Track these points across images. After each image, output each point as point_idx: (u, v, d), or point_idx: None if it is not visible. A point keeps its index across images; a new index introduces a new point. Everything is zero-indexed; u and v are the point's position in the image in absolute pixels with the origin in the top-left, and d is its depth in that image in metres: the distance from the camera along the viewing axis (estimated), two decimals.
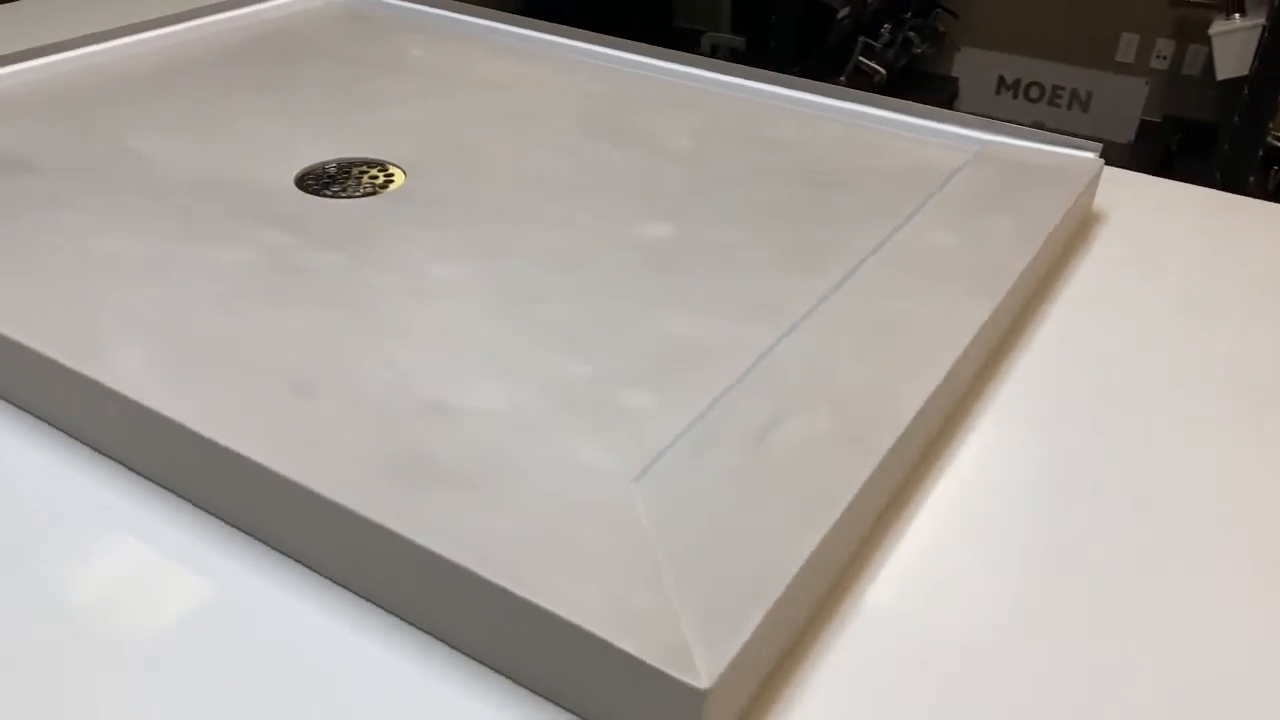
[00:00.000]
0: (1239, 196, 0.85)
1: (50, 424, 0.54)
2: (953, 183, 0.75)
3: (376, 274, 0.64)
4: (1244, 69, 2.39)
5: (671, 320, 0.60)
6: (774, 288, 0.63)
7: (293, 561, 0.46)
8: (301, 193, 0.74)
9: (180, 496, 0.50)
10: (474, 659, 0.42)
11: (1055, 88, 3.26)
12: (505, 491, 0.45)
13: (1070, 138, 0.82)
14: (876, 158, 0.81)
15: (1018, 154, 0.80)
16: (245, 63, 0.96)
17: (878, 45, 2.96)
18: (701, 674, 0.36)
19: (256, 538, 0.47)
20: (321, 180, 0.77)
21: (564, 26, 1.04)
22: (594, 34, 1.02)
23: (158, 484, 0.51)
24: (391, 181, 0.77)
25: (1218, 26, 2.54)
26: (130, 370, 0.52)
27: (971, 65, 3.36)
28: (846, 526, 0.45)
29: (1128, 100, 3.13)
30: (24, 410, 0.55)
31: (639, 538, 0.42)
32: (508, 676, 0.41)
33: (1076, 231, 0.78)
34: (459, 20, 1.06)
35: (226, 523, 0.48)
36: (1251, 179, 2.33)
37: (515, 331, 0.58)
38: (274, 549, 0.47)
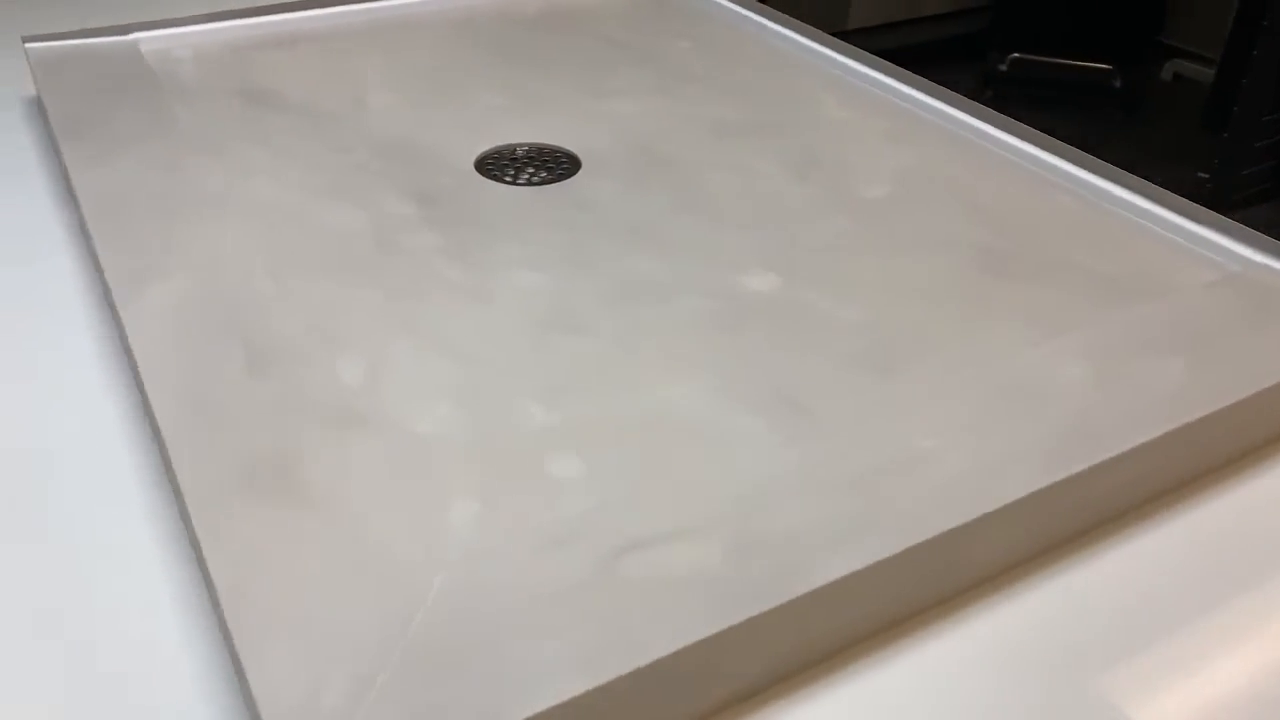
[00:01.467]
0: None
1: None
2: (1163, 304, 0.59)
3: (450, 265, 0.64)
4: None
5: (671, 392, 0.53)
6: (810, 380, 0.54)
7: None
8: (472, 170, 0.76)
9: None
10: None
11: None
12: (323, 525, 0.43)
13: None
14: (1091, 251, 0.66)
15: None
16: (514, 34, 0.99)
17: None
18: None
19: None
20: (502, 162, 0.78)
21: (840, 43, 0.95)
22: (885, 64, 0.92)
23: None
24: (565, 175, 0.76)
25: None
26: (136, 309, 0.56)
27: None
28: (651, 688, 0.38)
29: None
30: None
31: (398, 628, 0.38)
32: None
33: None
34: (760, 24, 1.01)
35: None
36: None
37: (501, 362, 0.55)
38: None
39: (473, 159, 0.77)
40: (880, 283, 0.63)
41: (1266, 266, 0.63)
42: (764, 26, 1.00)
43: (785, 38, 0.98)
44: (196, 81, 0.86)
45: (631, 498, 0.45)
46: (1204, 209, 0.69)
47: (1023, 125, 0.81)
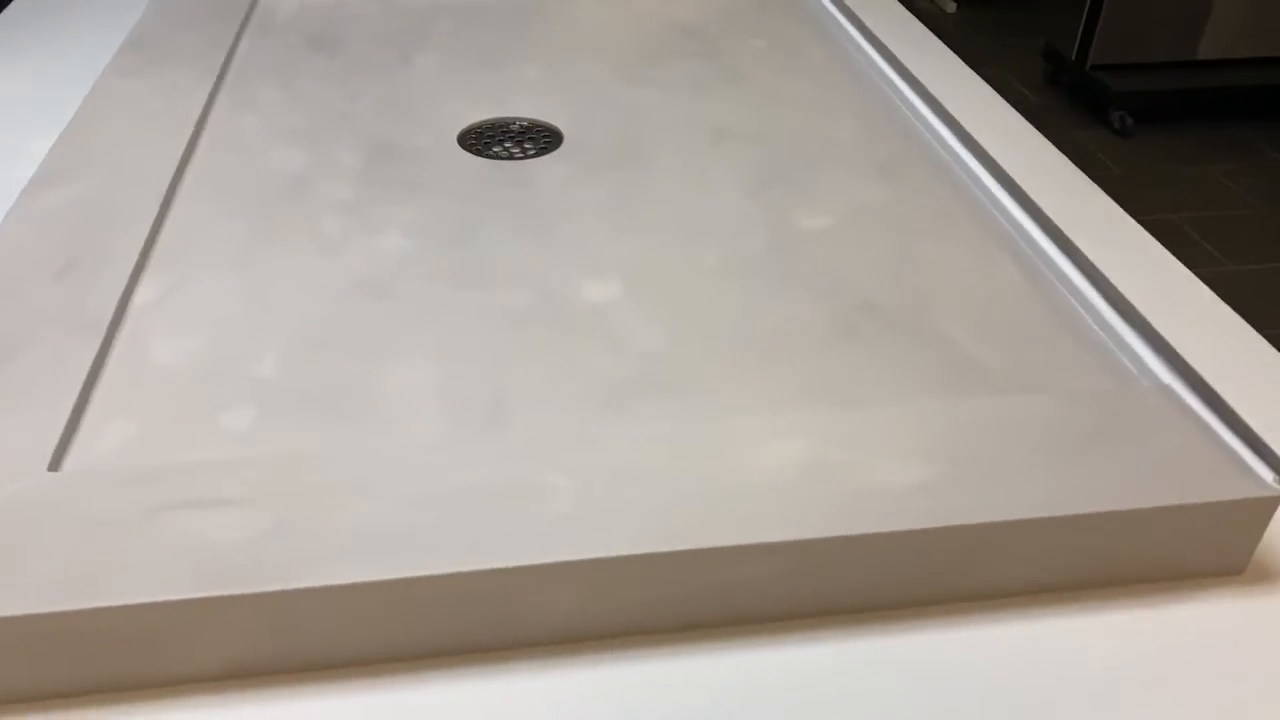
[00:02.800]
0: None
1: None
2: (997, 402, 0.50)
3: (334, 218, 0.66)
4: None
5: (389, 374, 0.52)
6: (535, 394, 0.51)
7: None
8: (453, 138, 0.77)
9: None
10: None
11: None
12: None
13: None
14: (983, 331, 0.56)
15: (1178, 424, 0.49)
16: (590, 12, 0.98)
17: None
18: None
19: None
20: (487, 135, 0.79)
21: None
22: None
23: None
24: (538, 154, 0.76)
25: None
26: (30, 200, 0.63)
27: None
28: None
29: None
30: None
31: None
32: None
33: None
34: (855, 40, 0.94)
35: None
36: None
37: (283, 312, 0.57)
38: None
39: (461, 127, 0.79)
40: (716, 316, 0.58)
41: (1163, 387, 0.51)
42: (858, 45, 0.93)
43: (865, 54, 0.91)
44: (285, 21, 0.94)
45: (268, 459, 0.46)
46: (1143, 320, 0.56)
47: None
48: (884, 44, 0.89)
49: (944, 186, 0.72)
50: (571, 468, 0.45)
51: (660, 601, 0.43)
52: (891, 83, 0.85)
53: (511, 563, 0.41)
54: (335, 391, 0.52)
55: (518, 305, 0.59)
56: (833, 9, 1.00)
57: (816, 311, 0.59)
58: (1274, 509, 0.46)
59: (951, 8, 3.20)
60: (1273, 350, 0.60)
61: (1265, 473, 0.46)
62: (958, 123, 0.76)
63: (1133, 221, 0.71)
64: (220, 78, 0.82)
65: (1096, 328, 0.58)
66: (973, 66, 0.94)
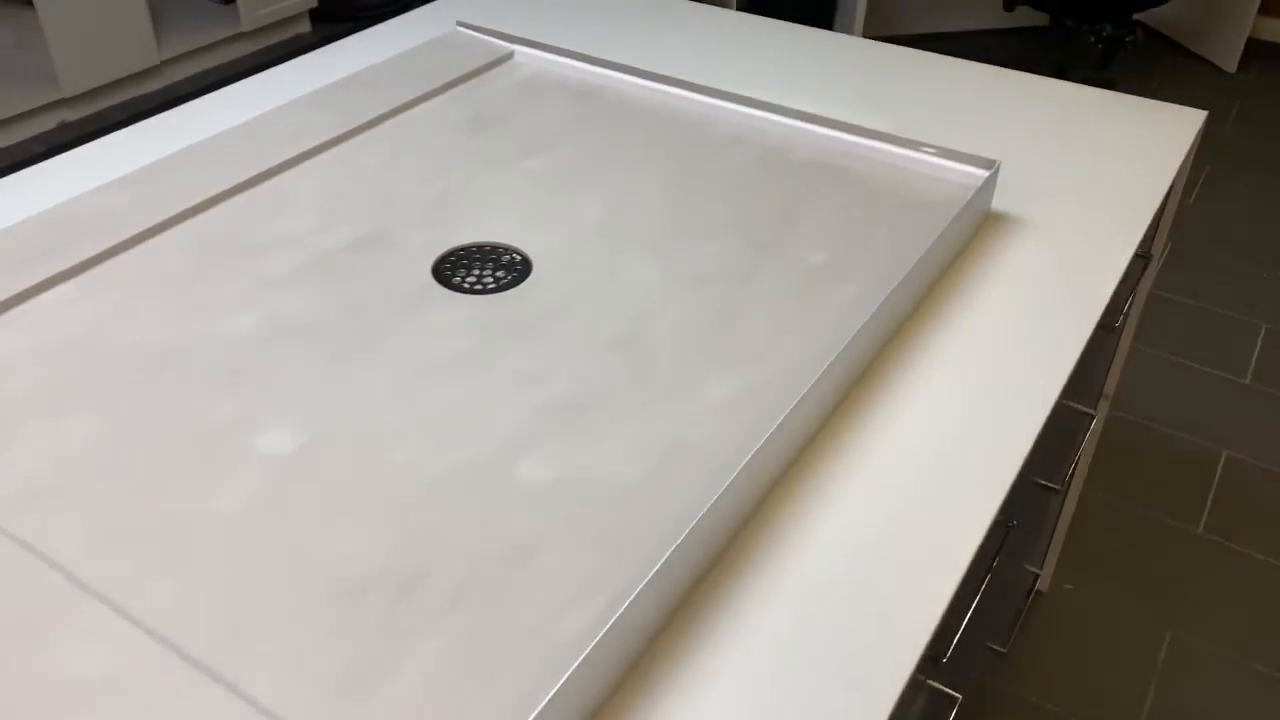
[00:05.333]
0: None
1: None
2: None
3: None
4: None
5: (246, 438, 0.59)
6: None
7: None
8: (439, 282, 0.85)
9: None
10: None
11: None
12: None
13: None
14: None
15: None
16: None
17: None
18: None
19: None
20: (459, 262, 0.86)
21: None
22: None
23: None
24: (513, 282, 0.83)
25: None
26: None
27: None
28: None
29: None
30: None
31: None
32: None
33: None
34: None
35: None
36: None
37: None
38: None
39: (429, 267, 0.86)
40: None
41: None
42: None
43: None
44: (498, 89, 1.02)
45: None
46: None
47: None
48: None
49: None
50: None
51: None
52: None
53: None
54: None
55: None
56: None
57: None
58: None
59: (1233, 67, 2.99)
60: None
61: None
62: None
63: None
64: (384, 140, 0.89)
65: None
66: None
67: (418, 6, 1.37)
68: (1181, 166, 1.11)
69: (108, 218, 0.86)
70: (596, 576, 0.59)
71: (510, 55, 1.15)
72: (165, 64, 3.02)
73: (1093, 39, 2.77)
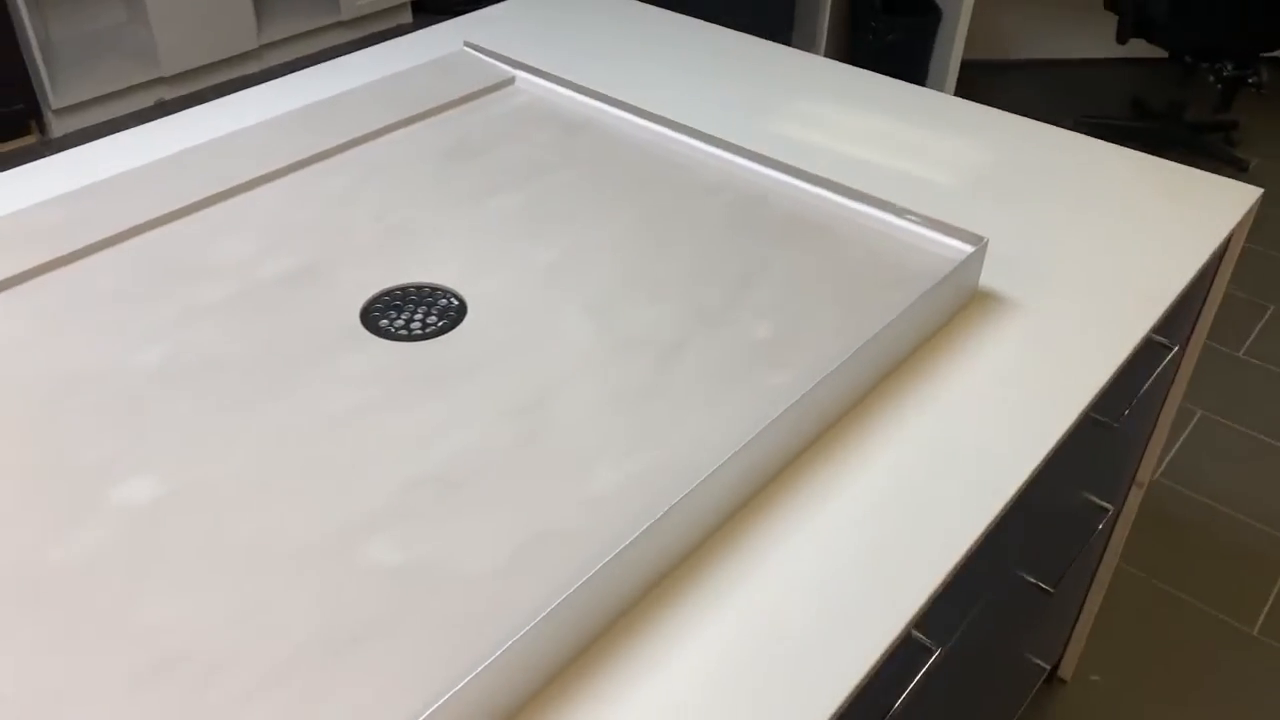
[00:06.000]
0: None
1: None
2: None
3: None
4: None
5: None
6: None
7: None
8: (365, 325, 0.82)
9: None
10: None
11: None
12: None
13: None
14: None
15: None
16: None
17: None
18: None
19: None
20: (391, 304, 0.83)
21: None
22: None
23: None
24: (449, 325, 0.80)
25: None
26: None
27: None
28: None
29: None
30: None
31: None
32: None
33: None
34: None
35: None
36: None
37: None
38: None
39: (357, 309, 0.83)
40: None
41: None
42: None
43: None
44: (490, 115, 1.00)
45: None
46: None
47: None
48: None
49: None
50: None
51: None
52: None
53: None
54: None
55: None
56: None
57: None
58: None
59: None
60: None
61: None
62: None
63: None
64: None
65: None
66: None
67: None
68: (1225, 248, 1.00)
69: (47, 232, 0.86)
70: (420, 673, 0.54)
71: (511, 80, 1.11)
72: (264, 48, 3.09)
73: (1212, 78, 2.59)
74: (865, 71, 1.20)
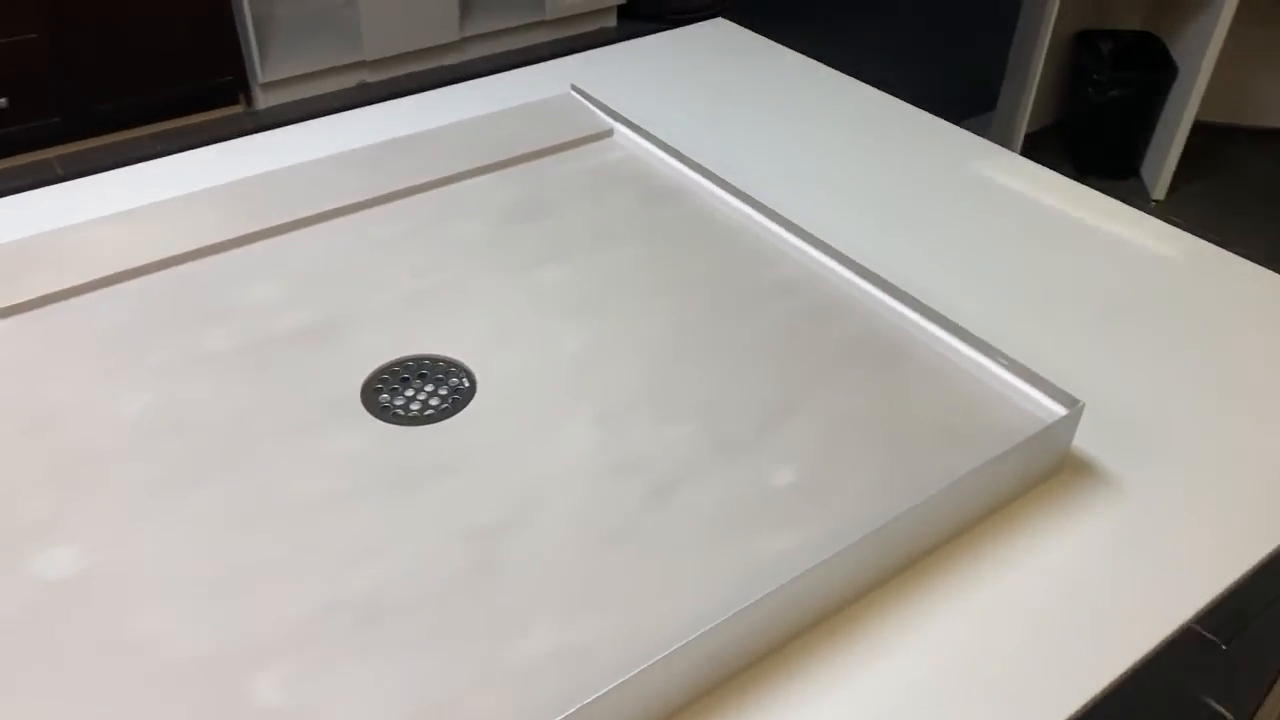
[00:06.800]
0: None
1: None
2: None
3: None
4: None
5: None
6: None
7: None
8: (364, 399, 0.76)
9: None
10: None
11: None
12: None
13: None
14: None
15: None
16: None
17: None
18: None
19: None
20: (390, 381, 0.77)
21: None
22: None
23: None
24: (457, 406, 0.73)
25: None
26: None
27: None
28: None
29: None
30: None
31: None
32: None
33: None
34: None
35: None
36: None
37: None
38: None
39: (356, 384, 0.77)
40: None
41: None
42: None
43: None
44: (572, 170, 0.97)
45: None
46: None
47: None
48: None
49: None
50: None
51: None
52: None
53: None
54: None
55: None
56: None
57: None
58: None
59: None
60: None
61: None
62: None
63: None
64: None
65: None
66: None
67: (725, 13, 1.27)
68: None
69: (86, 251, 0.84)
70: None
71: (609, 133, 1.03)
72: (465, 41, 3.14)
73: None
74: (1029, 163, 1.05)
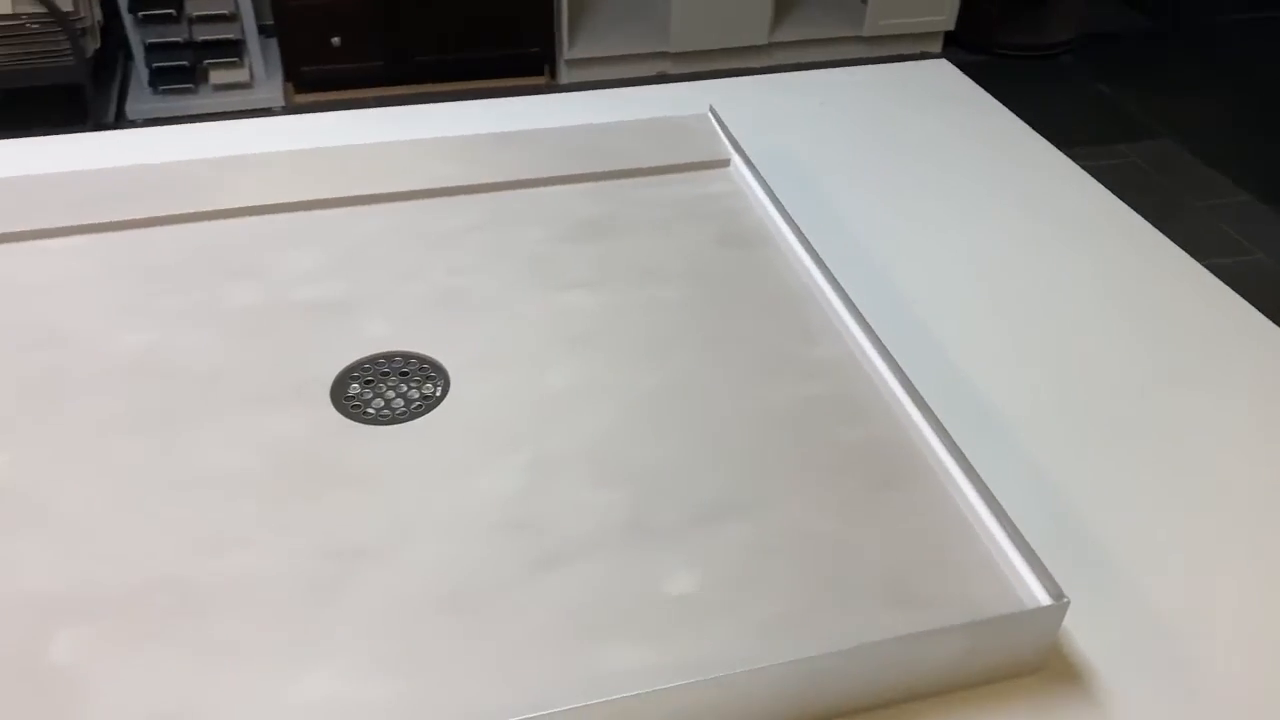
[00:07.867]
0: None
1: None
2: None
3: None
4: None
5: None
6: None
7: None
8: (335, 382, 0.75)
9: None
10: None
11: None
12: None
13: None
14: None
15: None
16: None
17: None
18: None
19: None
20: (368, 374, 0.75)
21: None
22: None
23: None
24: (433, 405, 0.71)
25: None
26: None
27: None
28: None
29: None
30: None
31: None
32: None
33: None
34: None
35: None
36: None
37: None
38: None
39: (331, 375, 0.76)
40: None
41: None
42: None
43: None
44: (667, 195, 0.95)
45: None
46: None
47: None
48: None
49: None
50: None
51: None
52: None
53: None
54: None
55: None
56: None
57: None
58: None
59: None
60: None
61: None
62: None
63: None
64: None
65: None
66: None
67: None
68: None
69: (175, 187, 0.89)
70: None
71: (726, 162, 0.95)
72: (774, 46, 3.09)
73: None
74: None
